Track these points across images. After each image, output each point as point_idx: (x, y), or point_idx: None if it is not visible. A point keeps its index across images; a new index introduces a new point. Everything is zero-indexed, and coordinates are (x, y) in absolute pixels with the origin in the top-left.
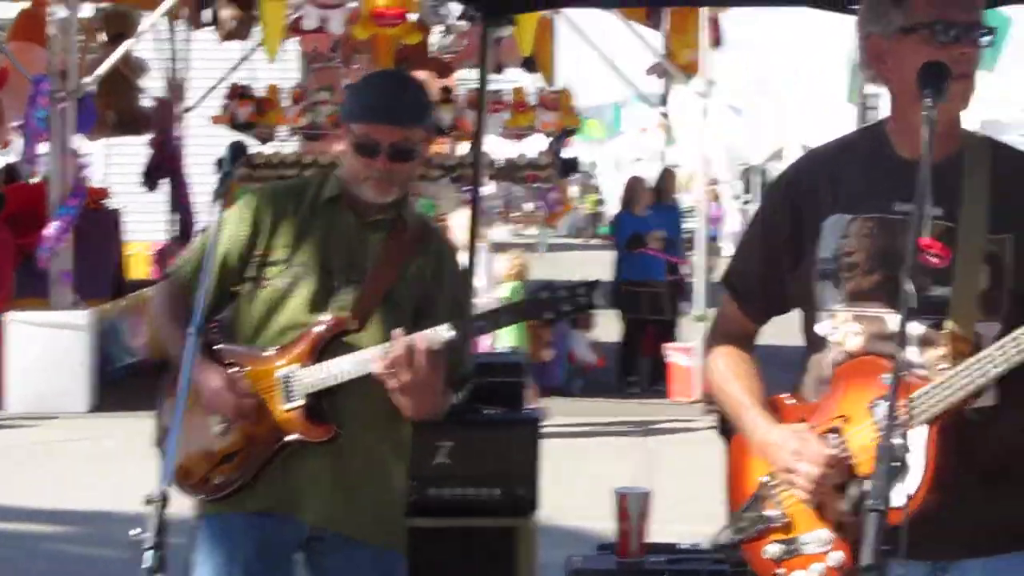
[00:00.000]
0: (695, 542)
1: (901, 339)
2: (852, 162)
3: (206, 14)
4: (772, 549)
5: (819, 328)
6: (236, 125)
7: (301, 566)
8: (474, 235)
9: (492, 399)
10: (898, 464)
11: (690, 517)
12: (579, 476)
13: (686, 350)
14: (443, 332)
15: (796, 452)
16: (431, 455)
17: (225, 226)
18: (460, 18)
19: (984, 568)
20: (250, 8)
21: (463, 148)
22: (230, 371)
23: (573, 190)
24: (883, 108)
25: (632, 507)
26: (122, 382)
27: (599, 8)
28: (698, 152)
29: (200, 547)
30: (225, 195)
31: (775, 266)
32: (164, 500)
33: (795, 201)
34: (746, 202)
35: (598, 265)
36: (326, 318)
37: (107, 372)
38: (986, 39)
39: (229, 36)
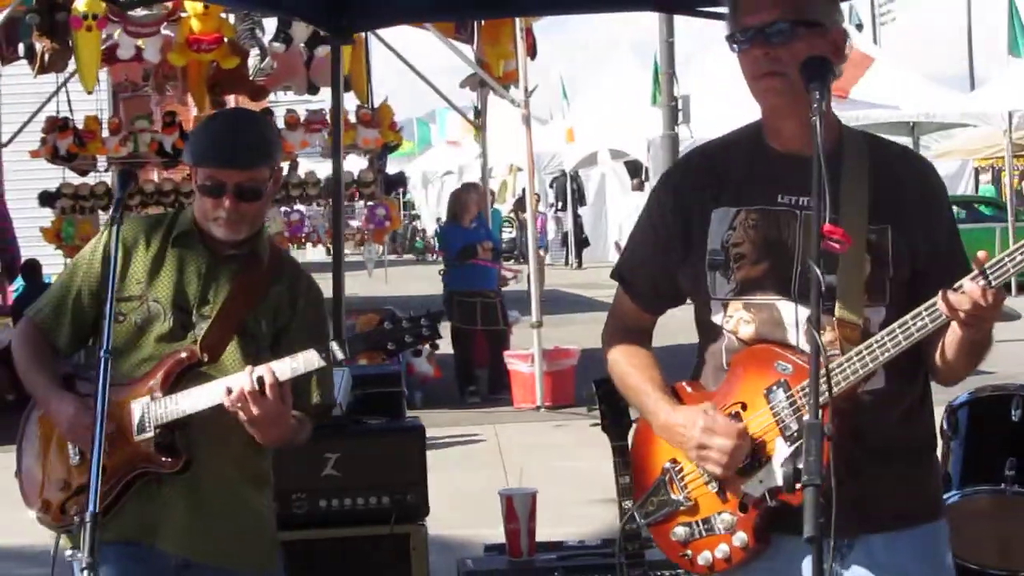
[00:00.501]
0: (580, 539)
1: (817, 322)
2: (734, 157)
3: (20, 48)
4: (679, 531)
5: (713, 318)
6: (57, 157)
7: None
8: (338, 255)
9: (372, 409)
10: (827, 437)
11: (558, 519)
12: (440, 486)
13: (526, 357)
14: (289, 364)
15: (706, 428)
16: (319, 467)
17: (81, 265)
18: (273, 40)
19: (885, 542)
20: (65, 40)
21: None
22: (85, 402)
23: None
24: (694, 111)
25: (519, 508)
26: None
27: (429, 23)
28: (522, 162)
29: None
30: (119, 221)
31: (666, 259)
32: (95, 520)
33: (682, 196)
34: (559, 210)
35: (424, 279)
36: (178, 351)
37: None
38: (783, 34)
39: (44, 70)
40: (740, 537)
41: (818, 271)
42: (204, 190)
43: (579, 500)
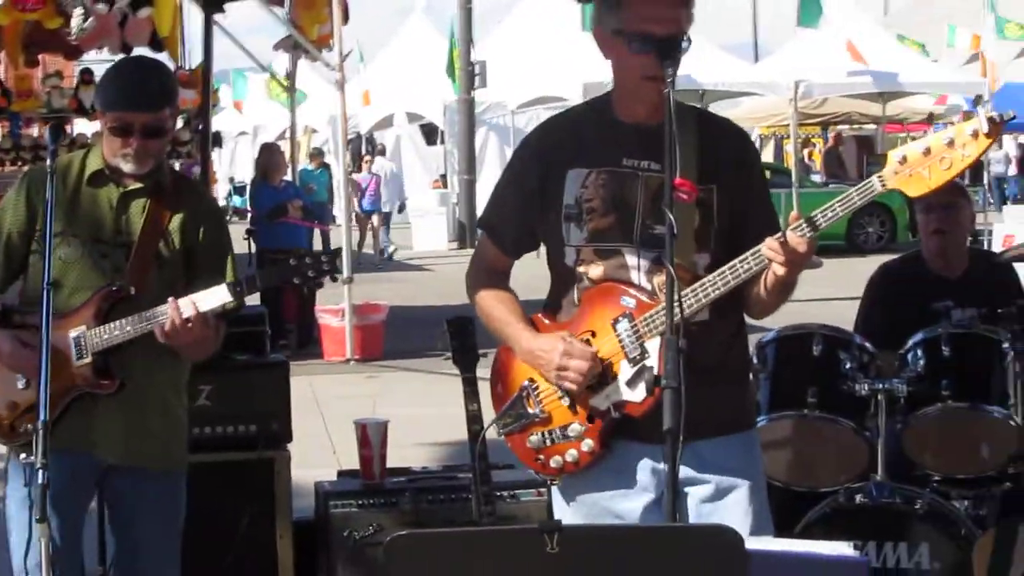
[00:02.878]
0: (424, 466)
1: (671, 258)
2: (586, 126)
3: None
4: (534, 439)
5: (566, 261)
6: None
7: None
8: None
9: (239, 346)
10: (684, 352)
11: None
12: None
13: (336, 312)
14: (205, 297)
15: (565, 353)
16: (193, 397)
17: (7, 210)
18: (96, 2)
19: (711, 446)
20: None
21: None
22: (27, 333)
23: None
24: (490, 75)
25: (373, 435)
26: None
27: None
28: (332, 123)
29: (11, 483)
30: (53, 169)
31: (526, 210)
32: (47, 428)
33: (542, 157)
34: (354, 171)
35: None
36: (108, 284)
37: None
38: (683, 45)
39: None
40: (587, 443)
41: (671, 216)
42: (114, 131)
43: (402, 444)
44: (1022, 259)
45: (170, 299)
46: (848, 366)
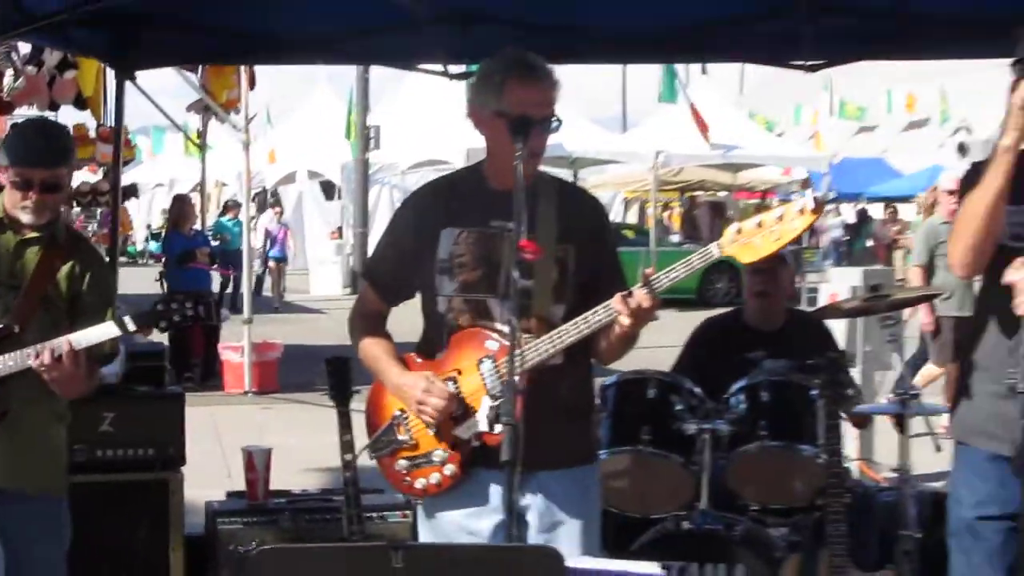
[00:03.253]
0: (304, 489)
1: (518, 312)
2: (460, 190)
3: None
4: (402, 463)
5: (439, 309)
6: None
7: None
8: (114, 254)
9: (141, 378)
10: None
11: (273, 483)
12: None
13: (237, 348)
14: (85, 335)
15: (426, 390)
16: (98, 424)
17: None
18: (27, 63)
19: (554, 477)
20: None
21: None
22: None
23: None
24: (383, 139)
25: (258, 461)
26: None
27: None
28: (239, 177)
29: None
30: None
31: (403, 263)
32: None
33: (420, 217)
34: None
35: (140, 280)
36: None
37: None
38: (553, 125)
39: None
40: (450, 468)
41: (516, 274)
42: (15, 185)
43: (289, 470)
44: (831, 316)
45: (49, 340)
46: (679, 408)
